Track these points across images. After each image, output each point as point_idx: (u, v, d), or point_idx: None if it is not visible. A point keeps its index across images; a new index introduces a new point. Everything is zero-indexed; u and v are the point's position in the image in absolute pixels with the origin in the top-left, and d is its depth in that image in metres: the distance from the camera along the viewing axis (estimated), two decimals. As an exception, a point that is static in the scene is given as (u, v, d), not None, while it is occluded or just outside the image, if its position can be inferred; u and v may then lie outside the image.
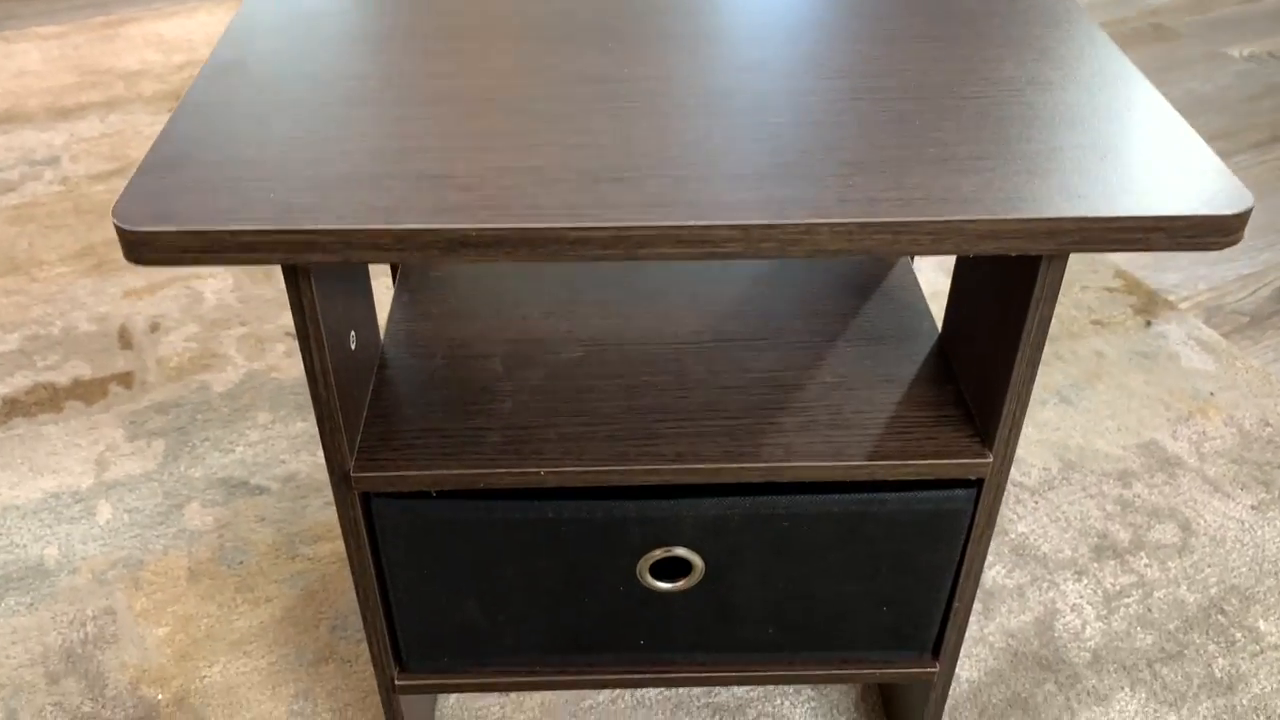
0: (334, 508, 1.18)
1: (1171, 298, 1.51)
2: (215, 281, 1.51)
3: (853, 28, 0.70)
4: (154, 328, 1.43)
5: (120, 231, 0.51)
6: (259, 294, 1.49)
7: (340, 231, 0.51)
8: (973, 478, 0.71)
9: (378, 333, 0.78)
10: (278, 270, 1.53)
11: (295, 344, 1.40)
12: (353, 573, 0.74)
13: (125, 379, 1.35)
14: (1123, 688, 1.00)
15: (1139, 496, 1.20)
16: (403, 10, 0.72)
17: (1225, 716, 0.98)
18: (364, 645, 1.05)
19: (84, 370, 1.36)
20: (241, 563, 1.12)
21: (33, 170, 1.78)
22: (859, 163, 0.56)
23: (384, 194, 0.53)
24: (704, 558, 0.74)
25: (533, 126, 0.59)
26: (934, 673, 0.83)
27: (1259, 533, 1.15)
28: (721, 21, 0.71)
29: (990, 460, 0.69)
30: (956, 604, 0.78)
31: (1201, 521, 1.17)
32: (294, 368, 1.37)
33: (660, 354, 0.79)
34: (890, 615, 0.79)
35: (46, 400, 1.32)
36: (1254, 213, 1.72)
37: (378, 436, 0.71)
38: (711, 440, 0.71)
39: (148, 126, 1.89)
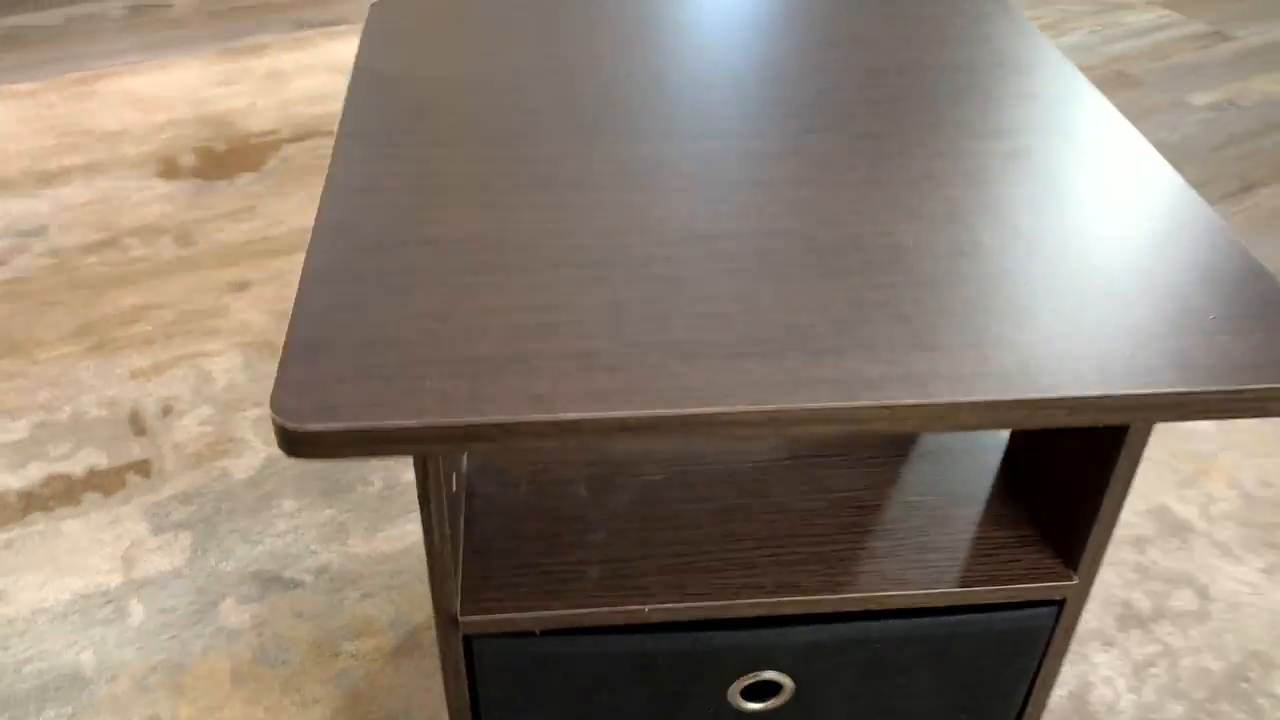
0: (371, 599, 1.18)
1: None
2: (223, 360, 1.50)
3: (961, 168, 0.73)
4: (166, 411, 1.41)
5: (282, 429, 0.51)
6: (269, 371, 1.48)
7: (504, 425, 0.52)
8: (1057, 598, 0.73)
9: (463, 462, 0.79)
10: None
11: (313, 425, 1.39)
12: (450, 710, 0.74)
13: (142, 467, 1.33)
14: (1161, 761, 1.04)
15: (1155, 563, 1.24)
16: (493, 155, 0.73)
17: (1259, 786, 1.02)
18: (417, 746, 1.05)
19: (99, 459, 1.34)
20: (284, 662, 1.12)
21: (21, 242, 1.75)
22: (999, 337, 0.58)
23: (536, 378, 0.54)
24: (794, 679, 0.76)
25: (659, 293, 0.60)
26: (1003, 771, 0.85)
27: (1272, 596, 1.20)
28: (813, 174, 0.73)
29: (1075, 582, 0.72)
30: (1030, 709, 0.81)
31: (1216, 587, 1.21)
32: (314, 450, 1.36)
33: (740, 473, 0.80)
34: (967, 722, 0.81)
35: (63, 493, 1.30)
36: (1232, 266, 1.78)
37: (478, 575, 0.72)
38: (807, 569, 0.73)
39: (135, 193, 1.86)
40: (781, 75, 0.83)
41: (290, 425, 0.51)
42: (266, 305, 1.60)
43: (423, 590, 1.19)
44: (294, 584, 1.20)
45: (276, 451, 1.36)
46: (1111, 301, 0.60)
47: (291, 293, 1.61)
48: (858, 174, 0.71)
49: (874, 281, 0.61)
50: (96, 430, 1.38)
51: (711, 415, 0.53)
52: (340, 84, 2.22)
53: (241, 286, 1.64)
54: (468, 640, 0.72)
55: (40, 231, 1.77)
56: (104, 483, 1.31)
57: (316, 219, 0.66)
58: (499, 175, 0.71)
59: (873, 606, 0.72)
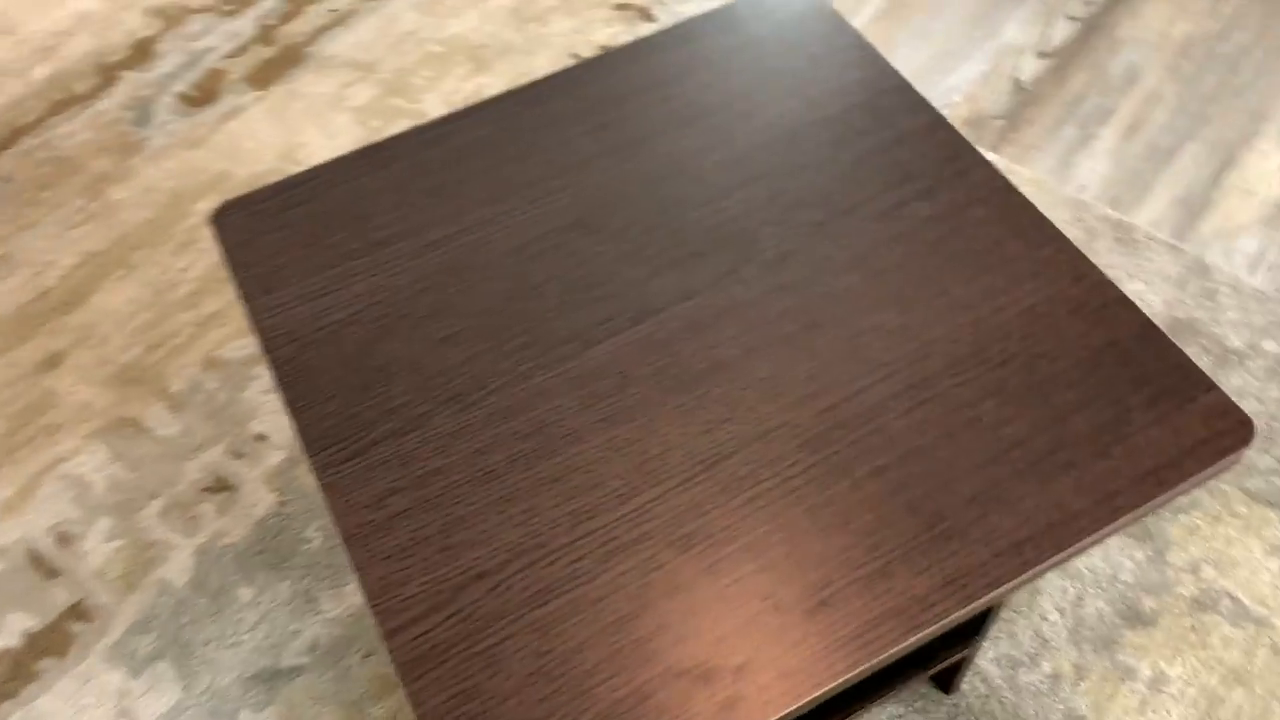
0: (374, 656, 1.25)
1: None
2: (87, 457, 1.43)
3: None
4: (63, 541, 1.36)
5: None
6: (143, 452, 1.43)
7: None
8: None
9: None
10: (146, 420, 1.45)
11: (223, 499, 1.38)
12: None
13: (79, 612, 1.31)
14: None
15: None
16: (470, 425, 0.74)
17: None
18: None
19: (27, 622, 1.31)
20: (330, 751, 1.20)
21: None
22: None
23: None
24: (830, 687, 0.91)
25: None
26: (975, 643, 1.06)
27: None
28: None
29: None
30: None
31: None
32: (236, 526, 1.36)
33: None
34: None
35: (15, 671, 1.27)
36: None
37: None
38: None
39: None
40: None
41: None
42: (94, 375, 1.50)
43: (414, 627, 1.27)
44: (296, 671, 1.26)
45: (202, 540, 1.35)
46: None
47: (110, 347, 1.51)
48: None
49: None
50: (5, 590, 1.33)
51: None
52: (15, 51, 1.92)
53: (52, 362, 1.52)
54: None
55: None
56: (50, 644, 1.29)
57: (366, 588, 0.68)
58: (502, 450, 0.73)
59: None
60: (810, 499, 0.69)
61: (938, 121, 0.85)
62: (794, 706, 0.62)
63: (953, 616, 0.65)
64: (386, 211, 0.84)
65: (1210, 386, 0.71)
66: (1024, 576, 0.66)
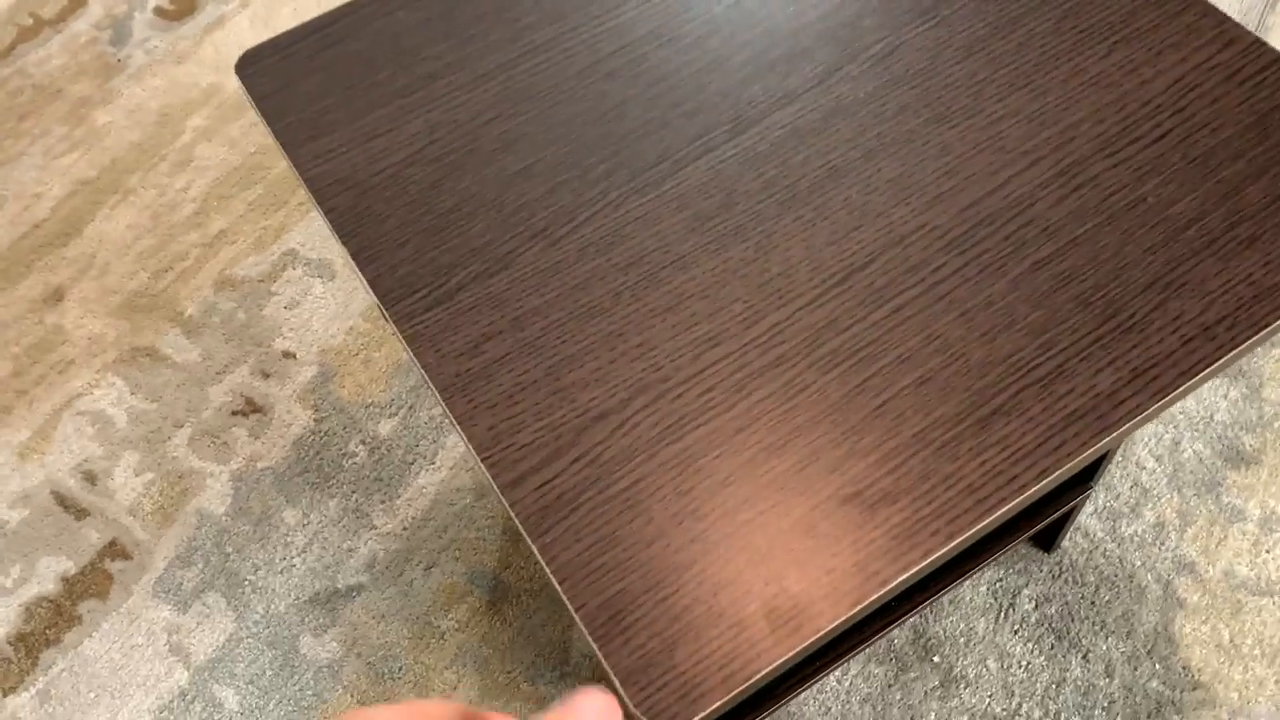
0: (437, 568, 1.17)
1: None
2: (105, 391, 1.33)
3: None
4: (90, 479, 1.28)
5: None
6: (162, 380, 1.34)
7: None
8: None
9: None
10: (162, 347, 1.36)
11: (255, 422, 1.29)
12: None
13: (116, 550, 1.23)
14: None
15: None
16: (567, 263, 0.65)
17: None
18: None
19: (63, 565, 1.22)
20: (401, 668, 1.13)
21: None
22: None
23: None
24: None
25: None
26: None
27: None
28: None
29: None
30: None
31: None
32: (272, 448, 1.27)
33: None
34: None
35: (57, 618, 1.19)
36: None
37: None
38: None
39: None
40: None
41: None
42: (100, 306, 1.40)
43: (476, 535, 1.20)
44: (355, 590, 1.18)
45: (238, 467, 1.27)
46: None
47: (113, 276, 1.41)
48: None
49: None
50: (34, 535, 1.25)
51: (995, 498, 0.55)
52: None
53: (56, 296, 1.42)
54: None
55: None
56: (89, 586, 1.21)
57: (466, 432, 0.59)
58: (602, 285, 0.64)
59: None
60: (964, 303, 0.61)
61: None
62: (982, 524, 0.55)
63: (1148, 412, 0.57)
64: (435, 43, 0.75)
65: (1401, 142, 0.63)
66: (1221, 362, 0.58)
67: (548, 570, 0.55)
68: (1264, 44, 0.68)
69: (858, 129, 0.68)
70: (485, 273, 0.65)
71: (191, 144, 1.53)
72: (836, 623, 0.53)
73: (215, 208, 1.47)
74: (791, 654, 0.52)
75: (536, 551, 0.55)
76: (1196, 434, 1.20)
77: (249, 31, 1.65)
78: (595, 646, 0.53)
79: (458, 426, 0.59)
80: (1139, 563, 1.13)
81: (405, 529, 1.21)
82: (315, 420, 1.29)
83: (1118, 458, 1.19)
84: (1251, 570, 1.12)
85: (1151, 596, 1.12)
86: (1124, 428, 0.56)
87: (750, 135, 0.69)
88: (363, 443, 1.27)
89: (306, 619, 1.17)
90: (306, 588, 1.18)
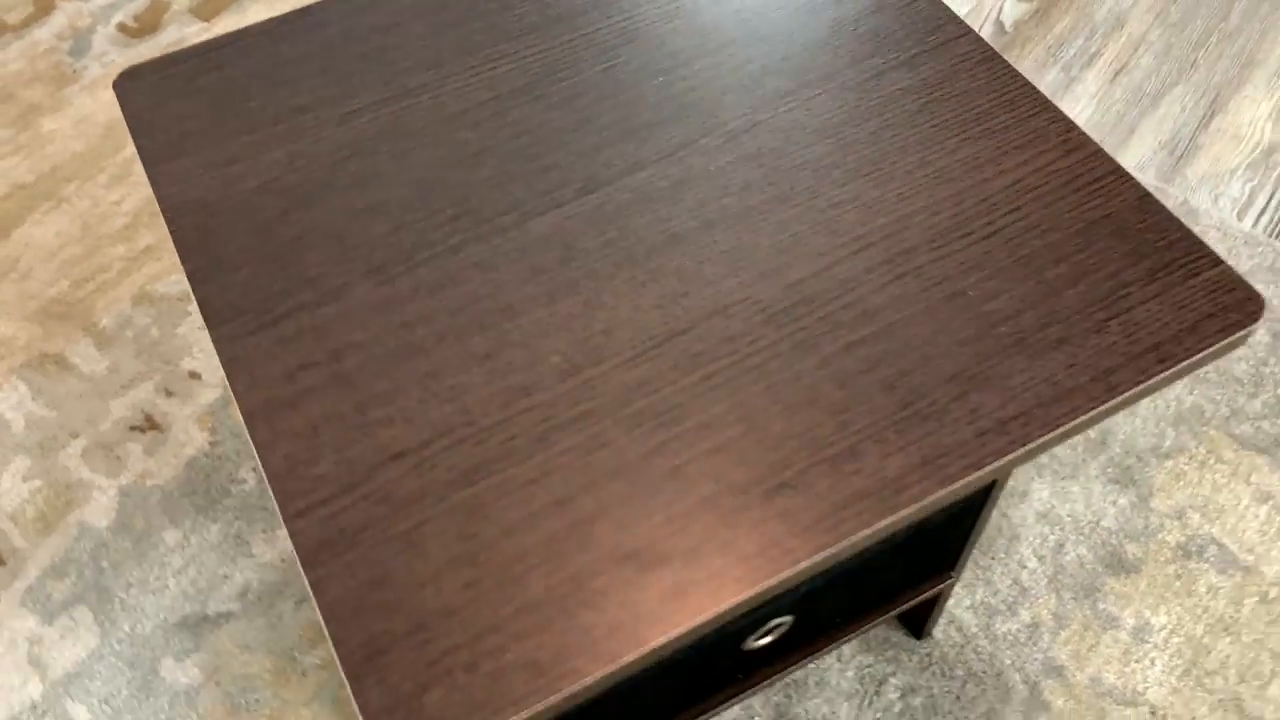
0: (308, 602, 1.16)
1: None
2: (4, 395, 1.33)
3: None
4: (-24, 480, 1.27)
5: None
6: (65, 389, 1.33)
7: (595, 671, 0.52)
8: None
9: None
10: (71, 356, 1.36)
11: (151, 439, 1.29)
12: None
13: (-10, 555, 1.21)
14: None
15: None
16: (392, 301, 0.66)
17: None
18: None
19: (-65, 564, 1.21)
20: (258, 701, 1.11)
21: None
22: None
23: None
24: (795, 613, 0.84)
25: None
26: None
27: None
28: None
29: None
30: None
31: None
32: (164, 466, 1.27)
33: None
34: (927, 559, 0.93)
35: (-82, 617, 1.18)
36: None
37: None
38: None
39: None
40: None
41: (395, 761, 0.50)
42: (16, 310, 1.40)
43: (353, 572, 1.18)
44: (224, 617, 1.17)
45: (127, 482, 1.26)
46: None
47: (34, 281, 1.42)
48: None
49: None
50: (-91, 530, 1.23)
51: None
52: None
53: (-27, 296, 1.42)
54: None
55: None
56: (-43, 588, 1.20)
57: (261, 456, 0.60)
58: (427, 326, 0.65)
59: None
60: (773, 376, 0.62)
61: (917, -6, 0.78)
62: (750, 593, 0.55)
63: (930, 499, 0.57)
64: (311, 78, 0.76)
65: (1216, 261, 0.65)
66: (1011, 456, 0.59)
67: (314, 604, 0.55)
68: (1104, 154, 0.70)
69: (701, 200, 0.69)
70: (314, 303, 0.66)
71: (132, 159, 1.55)
72: (594, 679, 0.53)
73: (146, 223, 1.48)
74: (543, 707, 0.52)
75: (308, 585, 0.55)
76: (1081, 537, 1.20)
77: (208, 56, 1.68)
78: (347, 683, 0.53)
79: (255, 452, 0.60)
80: (1009, 661, 1.13)
81: (283, 560, 1.20)
82: (210, 443, 1.29)
83: (1000, 554, 1.19)
84: (1119, 679, 1.11)
85: (1017, 697, 1.11)
86: (905, 511, 0.57)
87: (599, 195, 0.70)
88: (254, 470, 1.26)
89: (171, 642, 1.15)
90: (176, 610, 1.17)
